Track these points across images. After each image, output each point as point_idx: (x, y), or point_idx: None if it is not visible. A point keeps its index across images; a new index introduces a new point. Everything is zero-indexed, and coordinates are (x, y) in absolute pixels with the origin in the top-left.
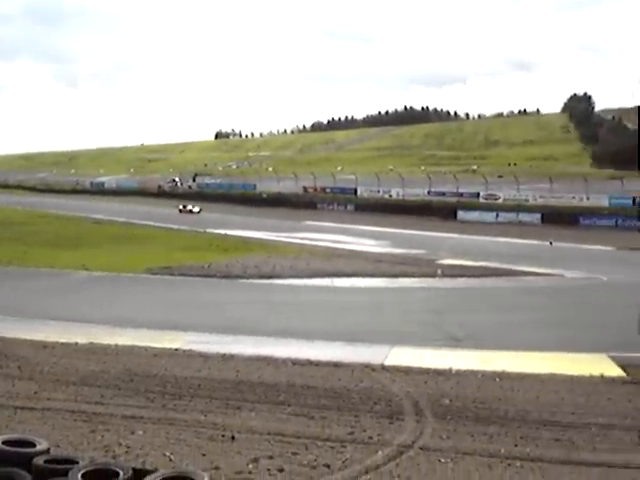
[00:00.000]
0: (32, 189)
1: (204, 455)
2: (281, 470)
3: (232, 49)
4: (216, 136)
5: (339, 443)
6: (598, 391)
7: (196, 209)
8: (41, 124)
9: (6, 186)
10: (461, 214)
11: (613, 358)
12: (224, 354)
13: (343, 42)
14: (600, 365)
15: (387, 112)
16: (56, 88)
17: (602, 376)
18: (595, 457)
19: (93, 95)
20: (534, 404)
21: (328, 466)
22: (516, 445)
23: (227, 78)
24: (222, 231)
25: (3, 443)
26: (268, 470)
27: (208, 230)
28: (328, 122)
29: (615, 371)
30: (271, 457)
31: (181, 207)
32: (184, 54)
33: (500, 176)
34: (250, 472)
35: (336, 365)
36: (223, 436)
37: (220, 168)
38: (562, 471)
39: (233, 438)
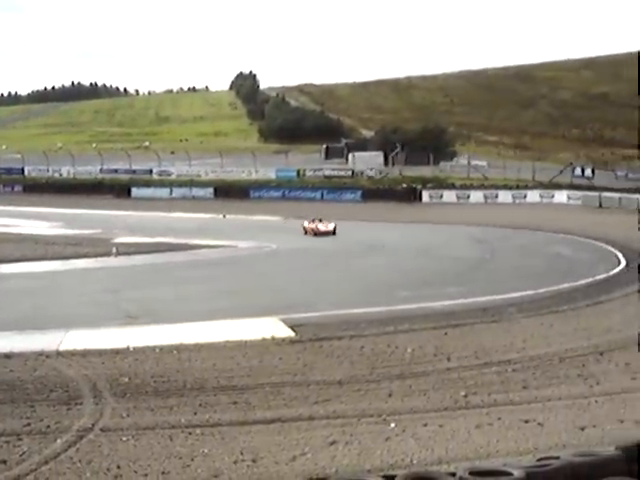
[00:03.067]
0: None
1: None
2: None
3: None
4: None
5: (15, 436)
6: (270, 352)
7: None
8: None
9: None
10: (135, 191)
11: (283, 320)
12: None
13: None
14: (271, 328)
15: (54, 87)
16: None
17: (273, 338)
18: (270, 414)
19: None
20: (211, 372)
21: (4, 462)
22: (195, 413)
23: None
24: None
25: None
26: None
27: None
28: None
29: (285, 332)
30: None
31: None
32: None
33: (172, 152)
34: None
35: (7, 356)
36: None
37: None
38: (240, 431)
39: None
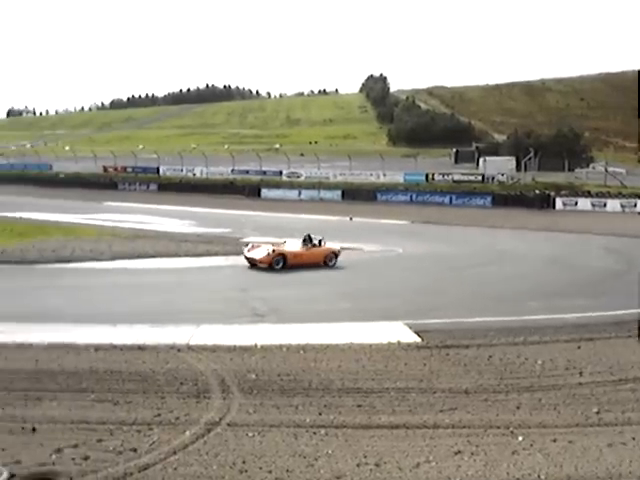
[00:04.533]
0: None
1: (3, 450)
2: (86, 458)
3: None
4: (7, 114)
5: (146, 426)
6: (396, 357)
7: None
8: None
9: None
10: (265, 192)
11: (409, 325)
12: (21, 343)
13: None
14: (397, 332)
15: (189, 90)
16: None
17: (399, 342)
18: (395, 419)
19: None
20: (336, 373)
21: (135, 450)
22: (320, 413)
23: (18, 51)
24: (16, 214)
25: None
26: (72, 459)
27: (0, 214)
28: (128, 99)
29: (411, 337)
30: (75, 446)
31: None
32: None
33: (302, 154)
34: (54, 463)
35: (141, 348)
36: (23, 428)
37: (13, 148)
38: (364, 434)
39: (34, 430)
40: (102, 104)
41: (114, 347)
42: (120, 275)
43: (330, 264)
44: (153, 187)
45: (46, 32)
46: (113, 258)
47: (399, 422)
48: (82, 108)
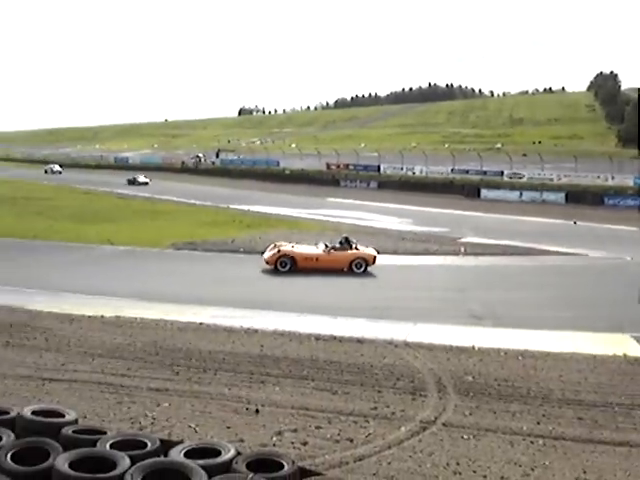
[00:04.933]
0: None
1: (229, 428)
2: (305, 443)
3: (257, 24)
4: (239, 112)
5: (362, 418)
6: (621, 370)
7: (144, 179)
8: (67, 99)
9: (32, 161)
10: (484, 192)
11: (636, 339)
12: (248, 328)
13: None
14: (623, 345)
15: (411, 89)
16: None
17: (625, 356)
18: (618, 436)
19: (117, 71)
20: (557, 382)
21: (351, 440)
22: (538, 423)
23: (251, 54)
24: (245, 207)
25: (32, 413)
26: (292, 443)
27: (231, 206)
28: (352, 99)
29: (638, 351)
30: (295, 430)
31: (131, 179)
32: (209, 29)
33: (524, 155)
34: (274, 445)
35: (359, 341)
36: (247, 409)
37: (243, 144)
38: (584, 449)
39: (257, 411)
40: (327, 103)
41: (334, 338)
42: None
43: (359, 270)
44: (373, 185)
45: (274, 37)
46: None
47: (622, 439)
48: (308, 107)
